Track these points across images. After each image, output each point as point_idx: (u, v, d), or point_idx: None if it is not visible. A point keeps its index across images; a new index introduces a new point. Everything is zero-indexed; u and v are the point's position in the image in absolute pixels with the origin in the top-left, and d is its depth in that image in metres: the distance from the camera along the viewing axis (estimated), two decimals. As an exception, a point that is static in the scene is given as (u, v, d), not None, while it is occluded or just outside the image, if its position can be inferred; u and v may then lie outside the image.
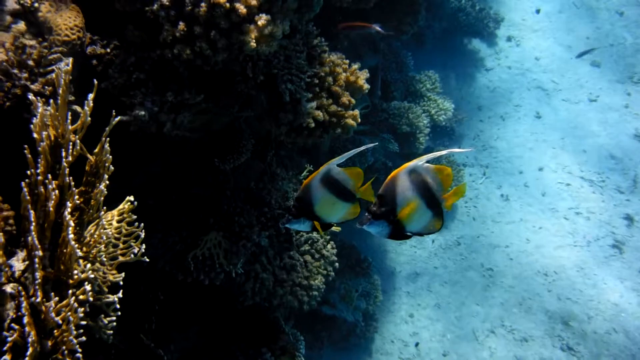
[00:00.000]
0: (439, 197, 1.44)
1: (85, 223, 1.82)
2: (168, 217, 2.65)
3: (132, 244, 1.91)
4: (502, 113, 6.87)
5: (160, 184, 2.60)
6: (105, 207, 1.74)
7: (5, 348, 1.43)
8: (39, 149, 1.62)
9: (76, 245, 1.53)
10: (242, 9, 1.85)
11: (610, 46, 7.43)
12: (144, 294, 2.74)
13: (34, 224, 1.49)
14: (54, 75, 1.94)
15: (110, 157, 1.75)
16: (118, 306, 1.84)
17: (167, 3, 1.93)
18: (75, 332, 1.48)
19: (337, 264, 3.18)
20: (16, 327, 1.47)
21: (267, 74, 2.25)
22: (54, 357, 1.52)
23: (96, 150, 1.84)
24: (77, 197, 1.61)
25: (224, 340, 3.05)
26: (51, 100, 1.72)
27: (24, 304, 1.48)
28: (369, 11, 3.68)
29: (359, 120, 2.44)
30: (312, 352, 4.57)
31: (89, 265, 1.63)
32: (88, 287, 1.57)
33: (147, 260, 1.87)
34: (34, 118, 1.63)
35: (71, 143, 1.70)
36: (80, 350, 1.47)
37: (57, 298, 1.49)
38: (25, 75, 1.92)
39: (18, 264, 1.75)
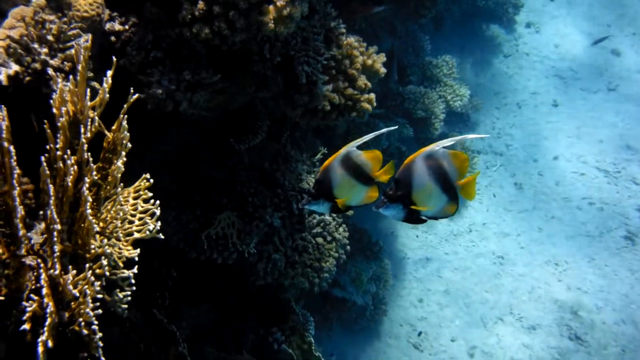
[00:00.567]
0: (454, 182, 1.45)
1: (102, 199, 1.85)
2: (183, 196, 2.67)
3: (148, 220, 1.93)
4: (519, 100, 6.80)
5: (176, 163, 2.62)
6: (122, 184, 1.76)
7: (24, 318, 1.47)
8: (58, 124, 1.64)
9: (94, 221, 1.55)
10: (261, -12, 1.84)
11: (633, 35, 7.28)
12: (158, 270, 2.78)
13: (52, 198, 1.52)
14: (73, 51, 1.95)
15: (128, 134, 1.77)
16: (133, 281, 1.86)
17: (187, -19, 1.93)
18: (91, 305, 1.51)
19: (348, 247, 3.20)
20: (35, 297, 1.51)
21: (285, 55, 2.24)
22: (71, 328, 1.56)
23: (114, 127, 1.85)
24: (95, 173, 1.63)
25: (235, 318, 3.09)
26: (70, 76, 1.74)
27: (43, 276, 1.51)
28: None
29: (375, 104, 2.43)
30: (321, 332, 4.62)
31: (105, 241, 1.66)
32: (104, 262, 1.60)
33: (162, 237, 1.90)
34: (54, 93, 1.65)
35: (89, 119, 1.71)
36: (96, 322, 1.51)
37: (74, 271, 1.52)
38: (45, 50, 1.94)
39: (36, 236, 1.79)
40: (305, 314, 3.60)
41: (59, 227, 1.51)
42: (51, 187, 1.53)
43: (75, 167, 1.59)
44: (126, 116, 1.80)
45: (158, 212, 1.92)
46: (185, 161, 2.65)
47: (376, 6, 3.06)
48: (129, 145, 1.77)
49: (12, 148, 1.52)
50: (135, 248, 1.93)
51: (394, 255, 5.36)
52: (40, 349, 1.41)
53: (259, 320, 3.08)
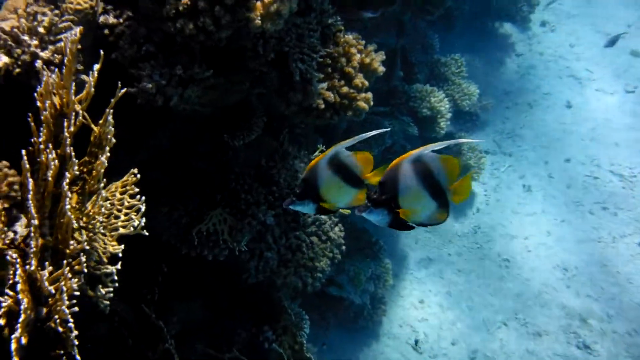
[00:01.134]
0: (444, 187, 1.40)
1: (87, 194, 1.83)
2: (175, 191, 2.65)
3: (133, 216, 1.91)
4: (530, 101, 6.66)
5: (169, 158, 2.60)
6: (105, 180, 1.74)
7: (0, 313, 1.46)
8: (42, 117, 1.62)
9: (72, 216, 1.54)
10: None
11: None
12: (149, 265, 2.77)
13: (31, 192, 1.51)
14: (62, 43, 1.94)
15: (113, 129, 1.75)
16: (116, 277, 1.85)
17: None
18: (67, 302, 1.49)
19: (344, 247, 3.16)
20: (11, 293, 1.50)
21: (279, 52, 2.21)
22: (47, 324, 1.55)
23: (101, 121, 1.84)
24: (76, 167, 1.62)
25: (226, 315, 3.08)
26: (56, 69, 1.72)
27: (19, 271, 1.50)
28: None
29: (372, 103, 2.39)
30: (318, 331, 4.59)
31: (85, 236, 1.64)
32: (83, 258, 1.59)
33: (147, 234, 1.88)
34: (38, 86, 1.63)
35: (74, 113, 1.70)
36: (72, 320, 1.49)
37: (51, 267, 1.51)
38: (36, 42, 1.92)
39: (21, 229, 1.78)
40: (300, 312, 3.57)
41: (36, 222, 1.50)
42: (30, 181, 1.52)
43: (56, 161, 1.57)
44: (112, 111, 1.78)
45: (143, 207, 1.90)
46: (178, 157, 2.63)
47: (365, 12, 2.88)
48: (113, 140, 1.75)
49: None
50: (120, 244, 1.92)
51: (395, 255, 5.30)
52: (13, 345, 1.40)
53: (251, 319, 3.06)
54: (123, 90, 1.85)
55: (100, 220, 1.81)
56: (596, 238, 5.43)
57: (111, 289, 1.85)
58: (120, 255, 1.87)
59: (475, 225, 5.66)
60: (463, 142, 1.60)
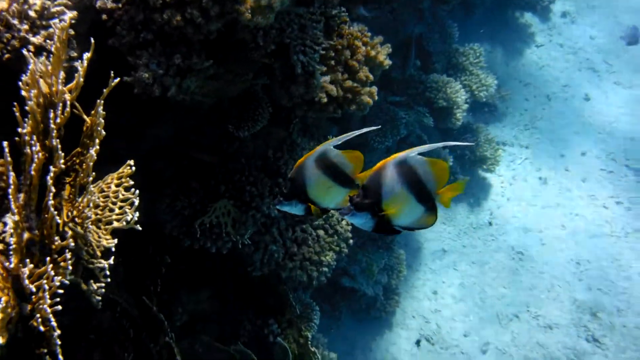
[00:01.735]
0: (432, 191, 1.31)
1: (78, 186, 1.77)
2: (178, 182, 2.59)
3: (127, 210, 1.85)
4: (549, 92, 6.51)
5: (172, 149, 2.54)
6: (94, 173, 1.67)
7: (-20, 310, 1.41)
8: (27, 107, 1.56)
9: (56, 212, 1.48)
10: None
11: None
12: (152, 256, 2.73)
13: (12, 186, 1.44)
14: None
15: (103, 121, 1.68)
16: (108, 272, 1.80)
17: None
18: (49, 301, 1.44)
19: (351, 241, 3.08)
20: (-8, 290, 1.45)
21: (280, 43, 2.10)
22: (30, 322, 1.50)
23: (93, 112, 1.77)
24: (62, 161, 1.55)
25: (232, 307, 3.03)
26: (43, 56, 1.65)
27: None
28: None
29: (377, 97, 2.28)
30: (330, 321, 4.56)
31: (71, 232, 1.58)
32: (69, 255, 1.53)
33: (140, 228, 1.81)
34: (23, 75, 1.56)
35: (61, 103, 1.63)
36: (54, 319, 1.44)
37: (31, 265, 1.45)
38: (26, 27, 1.85)
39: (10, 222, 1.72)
40: (311, 303, 3.51)
41: (16, 217, 1.44)
42: (12, 174, 1.46)
43: (40, 154, 1.51)
44: (102, 102, 1.71)
45: (137, 201, 1.84)
46: (182, 147, 2.56)
47: (360, 8, 2.68)
48: (103, 132, 1.68)
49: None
50: (114, 237, 1.87)
51: (409, 246, 5.24)
52: (-8, 343, 1.36)
53: (257, 311, 3.01)
54: (116, 80, 1.78)
55: (92, 213, 1.75)
56: (609, 232, 5.34)
57: (103, 284, 1.80)
58: (114, 249, 1.82)
59: (490, 217, 5.55)
60: (449, 144, 1.49)
